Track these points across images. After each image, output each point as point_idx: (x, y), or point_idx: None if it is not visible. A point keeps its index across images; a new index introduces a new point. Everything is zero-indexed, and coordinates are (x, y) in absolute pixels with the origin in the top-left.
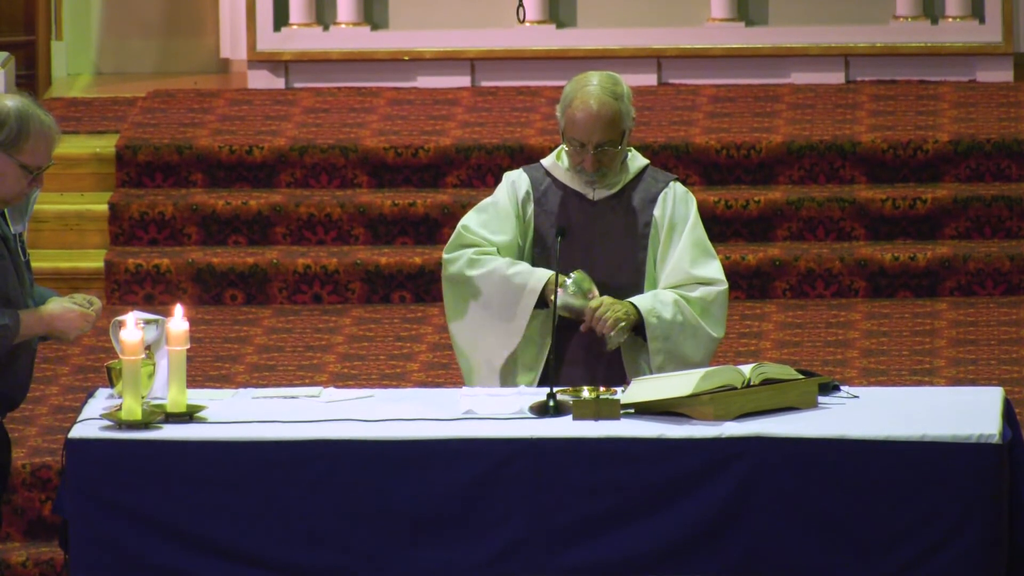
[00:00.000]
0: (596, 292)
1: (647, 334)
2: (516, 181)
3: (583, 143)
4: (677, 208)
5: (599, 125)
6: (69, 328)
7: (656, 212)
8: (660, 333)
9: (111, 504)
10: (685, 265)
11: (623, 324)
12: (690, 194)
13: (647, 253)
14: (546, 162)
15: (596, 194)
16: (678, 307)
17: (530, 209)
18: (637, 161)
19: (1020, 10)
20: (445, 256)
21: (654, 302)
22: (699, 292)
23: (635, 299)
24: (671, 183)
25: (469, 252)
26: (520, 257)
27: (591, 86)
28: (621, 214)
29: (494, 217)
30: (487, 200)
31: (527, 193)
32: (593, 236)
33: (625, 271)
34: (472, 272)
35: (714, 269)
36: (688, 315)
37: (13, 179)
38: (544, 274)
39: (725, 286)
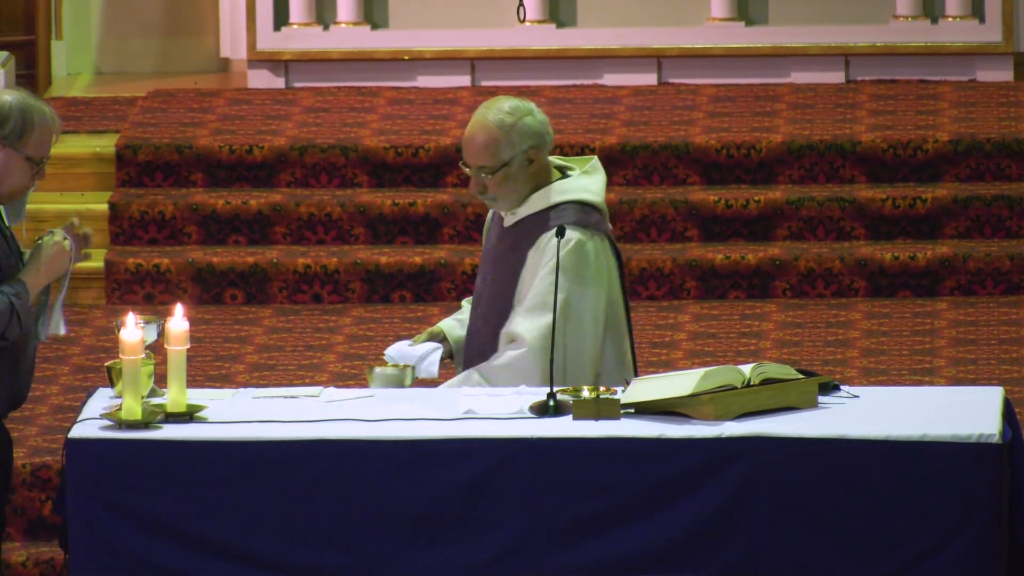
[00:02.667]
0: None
1: None
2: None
3: (466, 163)
4: (545, 254)
5: (472, 149)
6: (63, 264)
7: (529, 253)
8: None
9: (111, 504)
10: (517, 313)
11: None
12: (570, 246)
13: (513, 292)
14: None
15: (507, 220)
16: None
17: (486, 230)
18: (554, 196)
19: (1020, 10)
20: None
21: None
22: (495, 360)
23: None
24: (552, 231)
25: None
26: None
27: (482, 108)
28: (512, 247)
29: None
30: None
31: (493, 214)
32: (493, 262)
33: (500, 304)
34: None
35: (526, 327)
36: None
37: (19, 172)
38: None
39: (524, 348)
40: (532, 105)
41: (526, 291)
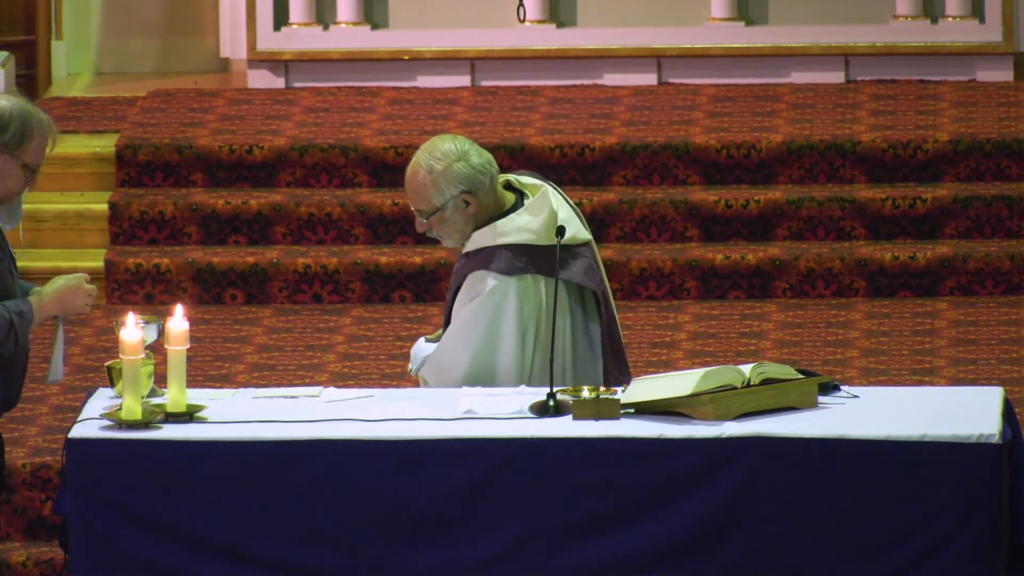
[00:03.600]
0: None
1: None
2: None
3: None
4: (461, 296)
5: (408, 191)
6: (78, 302)
7: (463, 287)
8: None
9: (111, 504)
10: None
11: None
12: (483, 286)
13: (450, 310)
14: None
15: (465, 247)
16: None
17: None
18: (494, 237)
19: (1020, 10)
20: None
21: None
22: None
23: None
24: (479, 273)
25: None
26: None
27: (419, 151)
28: (461, 271)
29: None
30: None
31: None
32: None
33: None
34: None
35: (449, 358)
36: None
37: (14, 179)
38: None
39: (427, 363)
40: (469, 147)
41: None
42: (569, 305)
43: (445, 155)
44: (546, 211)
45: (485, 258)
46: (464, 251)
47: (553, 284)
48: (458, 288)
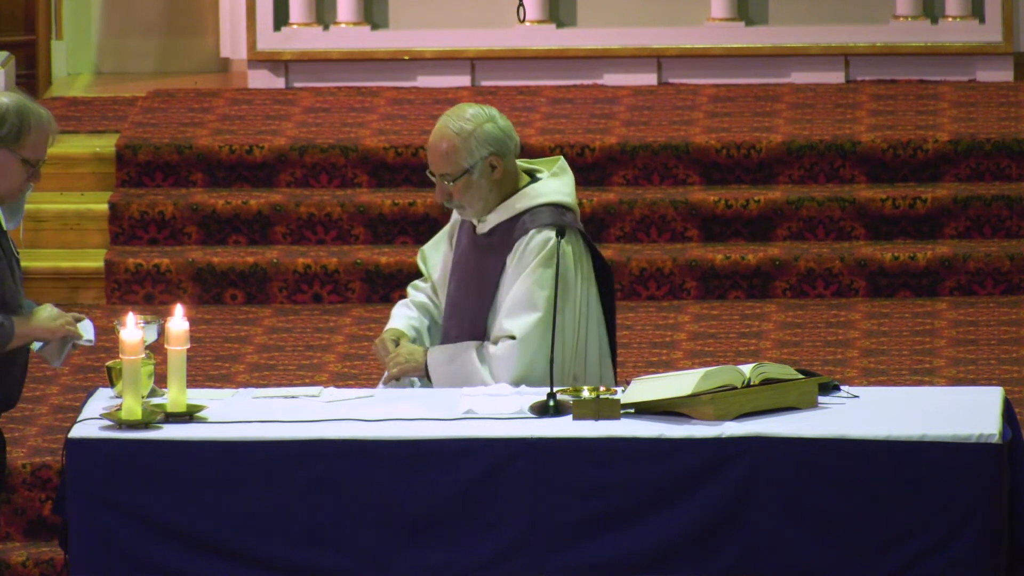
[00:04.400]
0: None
1: (431, 379)
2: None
3: (432, 172)
4: (525, 257)
5: (434, 156)
6: (51, 335)
7: (508, 259)
8: (442, 379)
9: (111, 504)
10: (502, 316)
11: (403, 368)
12: (549, 245)
13: (492, 299)
14: None
15: (480, 228)
16: (462, 359)
17: (454, 236)
18: (527, 201)
19: (1020, 10)
20: None
21: (444, 353)
22: (493, 349)
23: (433, 348)
24: (533, 231)
25: (409, 287)
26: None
27: (444, 116)
28: (487, 253)
29: (436, 245)
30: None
31: (455, 222)
32: (465, 270)
33: (476, 309)
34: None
35: (519, 324)
36: (468, 367)
37: (14, 174)
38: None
39: (514, 341)
40: (494, 111)
41: (507, 287)
42: (594, 277)
43: (474, 116)
44: (571, 177)
45: (530, 220)
46: (489, 227)
47: (582, 243)
48: (493, 267)
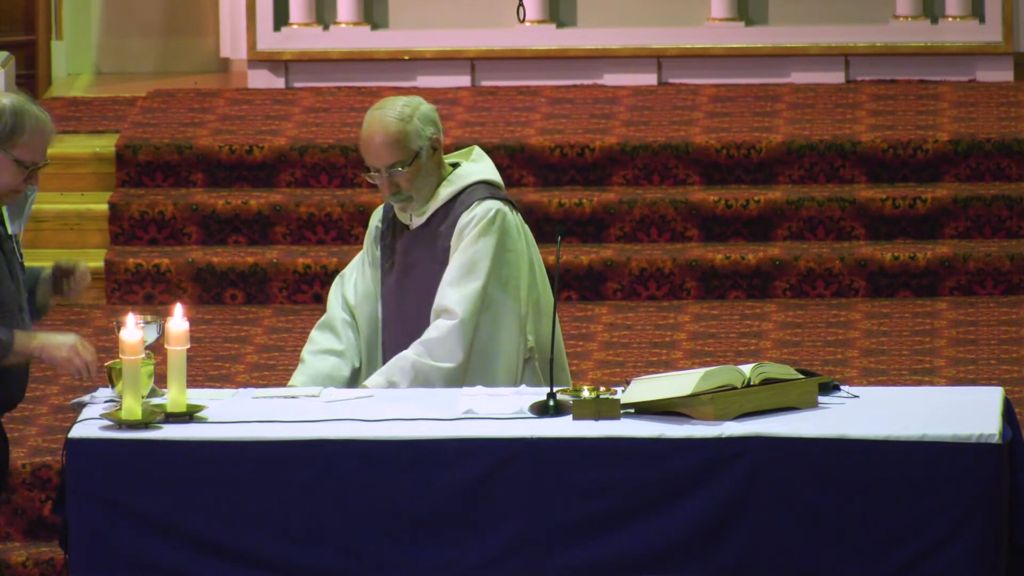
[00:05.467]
0: None
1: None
2: (373, 218)
3: (376, 168)
4: (467, 228)
5: (380, 149)
6: (59, 355)
7: (453, 241)
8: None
9: (111, 504)
10: (443, 285)
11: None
12: (492, 215)
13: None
14: None
15: (413, 223)
16: (403, 374)
17: (375, 244)
18: (457, 183)
19: (1020, 10)
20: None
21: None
22: (430, 334)
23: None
24: (475, 204)
25: (320, 322)
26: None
27: (376, 111)
28: (428, 243)
29: (355, 270)
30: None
31: (376, 228)
32: (405, 266)
33: (427, 302)
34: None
35: (456, 299)
36: (413, 374)
37: (8, 174)
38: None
39: (456, 320)
40: (419, 98)
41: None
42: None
43: (407, 103)
44: (490, 161)
45: (467, 196)
46: (424, 219)
47: (520, 218)
48: (438, 254)
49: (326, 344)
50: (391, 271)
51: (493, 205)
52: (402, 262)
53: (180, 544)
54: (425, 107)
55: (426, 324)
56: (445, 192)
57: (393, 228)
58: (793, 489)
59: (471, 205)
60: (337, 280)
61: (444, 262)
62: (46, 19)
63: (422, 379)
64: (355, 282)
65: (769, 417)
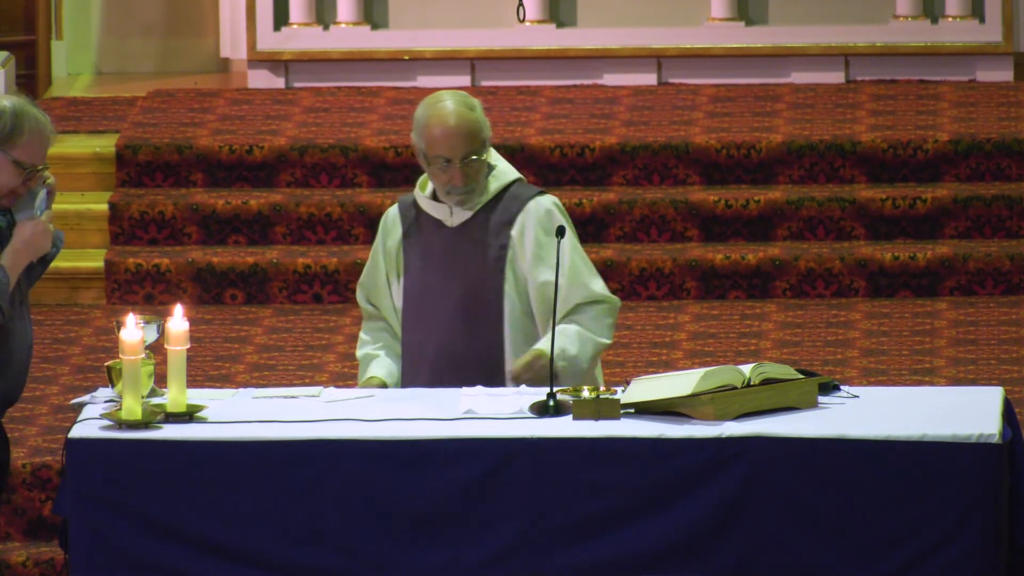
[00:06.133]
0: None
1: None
2: (390, 224)
3: (448, 159)
4: (538, 226)
5: (461, 137)
6: (45, 244)
7: (513, 233)
8: (570, 371)
9: (111, 504)
10: (575, 287)
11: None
12: (554, 209)
13: (504, 277)
14: (415, 191)
15: (454, 220)
16: (581, 341)
17: (400, 248)
18: (500, 179)
19: (1020, 10)
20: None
21: (563, 343)
22: (592, 312)
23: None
24: (531, 200)
25: (362, 333)
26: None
27: (446, 102)
28: (477, 239)
29: (370, 276)
30: (375, 244)
31: (398, 234)
32: (449, 264)
33: (483, 298)
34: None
35: (601, 286)
36: (587, 347)
37: (6, 175)
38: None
39: (619, 303)
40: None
41: (531, 257)
42: None
43: (466, 96)
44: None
45: (513, 194)
46: (470, 214)
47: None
48: (494, 245)
49: (386, 340)
50: (427, 270)
51: (551, 199)
52: (444, 260)
53: (180, 544)
54: (479, 101)
55: (472, 317)
56: (493, 186)
57: (421, 228)
58: (793, 489)
59: (528, 202)
60: (360, 288)
61: (499, 258)
62: (46, 19)
63: (589, 347)
64: (375, 289)
65: (769, 417)
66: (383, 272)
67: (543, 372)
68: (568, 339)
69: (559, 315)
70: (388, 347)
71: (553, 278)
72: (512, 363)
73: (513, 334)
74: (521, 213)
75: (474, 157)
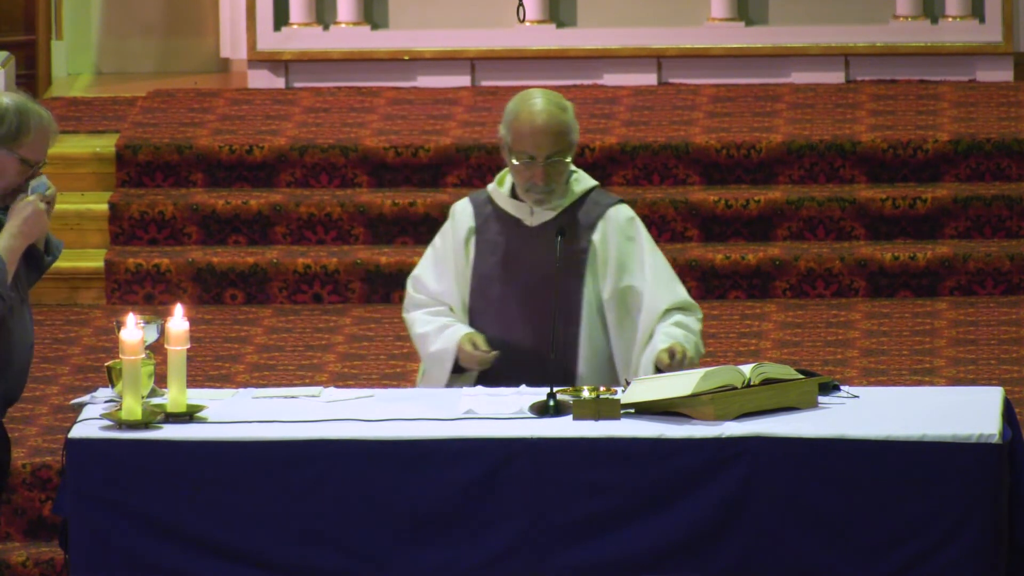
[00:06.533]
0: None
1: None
2: (460, 215)
3: (532, 156)
4: (620, 234)
5: (548, 136)
6: (41, 225)
7: (595, 238)
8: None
9: (111, 504)
10: (663, 292)
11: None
12: (635, 218)
13: (583, 281)
14: (490, 187)
15: (534, 219)
16: (686, 340)
17: (472, 242)
18: (582, 184)
19: (1020, 10)
20: (403, 316)
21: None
22: (688, 321)
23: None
24: (612, 207)
25: (418, 314)
26: (463, 294)
27: (537, 99)
28: (552, 239)
29: (436, 264)
30: (436, 240)
31: (470, 228)
32: (528, 263)
33: (559, 299)
34: (414, 334)
35: (685, 293)
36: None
37: (13, 174)
38: (453, 342)
39: (702, 315)
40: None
41: (613, 263)
42: None
43: (560, 97)
44: None
45: (595, 199)
46: (552, 215)
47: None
48: (576, 245)
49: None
50: (499, 266)
51: (629, 208)
52: (523, 258)
53: (180, 544)
54: (572, 104)
55: (546, 317)
56: (577, 189)
57: (499, 225)
58: (793, 489)
59: (608, 208)
60: (411, 281)
61: (579, 262)
62: (46, 19)
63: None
64: (440, 280)
65: (769, 417)
66: (450, 262)
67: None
68: (690, 343)
69: (651, 318)
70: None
71: (635, 283)
72: (582, 365)
73: (586, 335)
74: (602, 219)
75: (558, 158)
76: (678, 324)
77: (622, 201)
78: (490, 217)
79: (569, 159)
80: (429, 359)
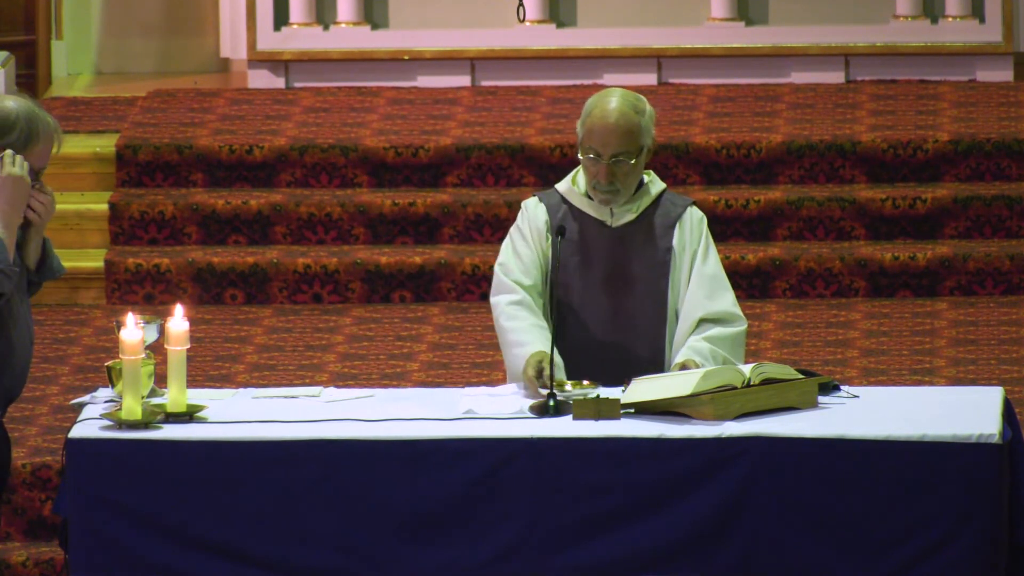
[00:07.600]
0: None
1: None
2: (534, 212)
3: (599, 153)
4: (694, 235)
5: (615, 135)
6: (23, 188)
7: (675, 239)
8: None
9: (111, 504)
10: (701, 300)
11: None
12: (704, 218)
13: (668, 280)
14: (561, 187)
15: (615, 220)
16: (714, 357)
17: (548, 240)
18: (656, 185)
19: (1020, 10)
20: (491, 299)
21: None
22: (725, 333)
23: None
24: (688, 208)
25: (503, 302)
26: (543, 287)
27: (613, 97)
28: (641, 240)
29: (517, 253)
30: (513, 232)
31: (546, 223)
32: (614, 264)
33: (647, 299)
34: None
35: (730, 303)
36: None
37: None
38: (523, 361)
39: (745, 325)
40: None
41: (687, 269)
42: None
43: (642, 99)
44: None
45: (670, 200)
46: (634, 216)
47: None
48: (657, 249)
49: (534, 319)
50: (585, 267)
51: (697, 210)
52: (608, 259)
53: (180, 544)
54: (652, 109)
55: (639, 318)
56: (653, 190)
57: (580, 225)
58: (793, 489)
59: (686, 209)
60: (501, 274)
61: (664, 262)
62: (46, 19)
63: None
64: (525, 272)
65: (769, 417)
66: (530, 253)
67: None
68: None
69: (685, 327)
70: (541, 326)
71: (691, 296)
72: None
73: (671, 334)
74: (681, 219)
75: (623, 158)
76: (710, 339)
77: (695, 203)
78: (567, 217)
79: (634, 161)
80: (506, 357)
